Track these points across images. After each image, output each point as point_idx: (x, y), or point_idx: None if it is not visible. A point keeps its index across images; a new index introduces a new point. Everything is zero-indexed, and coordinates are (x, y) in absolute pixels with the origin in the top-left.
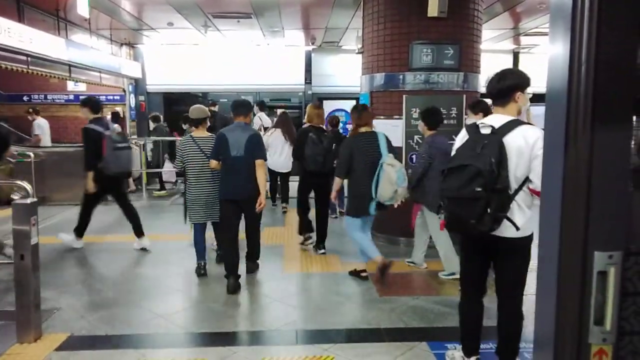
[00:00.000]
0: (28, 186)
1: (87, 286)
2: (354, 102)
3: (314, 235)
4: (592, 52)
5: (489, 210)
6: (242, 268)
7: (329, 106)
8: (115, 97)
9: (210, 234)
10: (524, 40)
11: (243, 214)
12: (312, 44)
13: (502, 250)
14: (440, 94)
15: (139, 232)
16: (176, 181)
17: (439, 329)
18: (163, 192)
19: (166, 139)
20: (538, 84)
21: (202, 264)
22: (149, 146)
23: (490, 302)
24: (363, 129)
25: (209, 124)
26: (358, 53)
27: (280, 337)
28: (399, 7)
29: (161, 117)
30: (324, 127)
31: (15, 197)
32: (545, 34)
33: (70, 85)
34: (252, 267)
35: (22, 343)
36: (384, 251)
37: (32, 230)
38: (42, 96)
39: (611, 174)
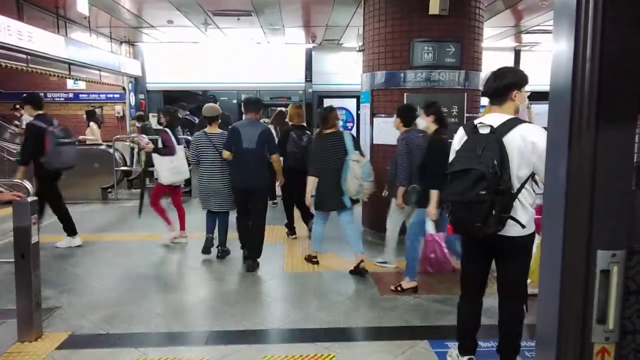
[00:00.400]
0: (28, 185)
1: (87, 285)
2: (354, 100)
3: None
4: (596, 49)
5: (493, 212)
6: (237, 267)
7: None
8: (115, 96)
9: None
10: (525, 37)
11: (250, 205)
12: (313, 41)
13: (506, 249)
14: (442, 92)
15: (70, 231)
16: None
17: (440, 328)
18: None
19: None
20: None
21: (211, 237)
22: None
23: (489, 301)
24: (329, 130)
25: (219, 120)
26: (359, 51)
27: (281, 336)
28: (400, 5)
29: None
30: (305, 125)
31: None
32: (547, 32)
33: (70, 84)
34: (253, 266)
35: (23, 342)
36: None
37: (33, 229)
38: (42, 94)
39: (615, 172)
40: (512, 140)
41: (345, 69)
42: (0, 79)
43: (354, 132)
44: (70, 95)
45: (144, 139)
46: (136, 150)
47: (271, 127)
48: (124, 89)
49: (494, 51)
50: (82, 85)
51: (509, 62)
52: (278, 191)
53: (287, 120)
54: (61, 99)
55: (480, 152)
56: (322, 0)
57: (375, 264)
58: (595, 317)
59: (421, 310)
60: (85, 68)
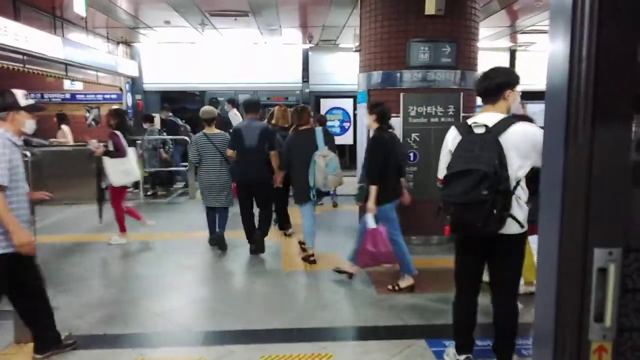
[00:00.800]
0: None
1: (84, 285)
2: (351, 100)
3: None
4: (592, 48)
5: (494, 211)
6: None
7: (326, 104)
8: (112, 96)
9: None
10: (520, 38)
11: (254, 198)
12: (310, 42)
13: (503, 247)
14: (438, 91)
15: None
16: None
17: (437, 327)
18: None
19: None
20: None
21: (213, 235)
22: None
23: (484, 299)
24: (303, 127)
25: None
26: (355, 51)
27: (278, 335)
28: (397, 5)
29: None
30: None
31: None
32: (542, 32)
33: (67, 84)
34: (262, 247)
35: (19, 343)
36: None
37: (29, 230)
38: (39, 95)
39: (611, 170)
40: (509, 139)
41: (342, 69)
42: None
43: (350, 131)
44: (67, 96)
45: (94, 142)
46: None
47: None
48: (120, 89)
49: (490, 51)
50: (79, 86)
51: (505, 62)
52: None
53: (272, 122)
54: (58, 100)
55: (479, 152)
56: (319, 0)
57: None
58: (593, 315)
59: (418, 310)
60: (82, 69)
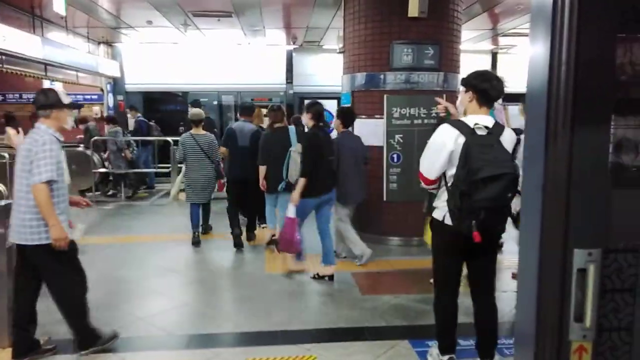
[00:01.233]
0: (2, 187)
1: None
2: (335, 102)
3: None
4: (572, 52)
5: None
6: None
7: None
8: (93, 97)
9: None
10: (502, 40)
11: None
12: (293, 43)
13: (488, 246)
14: (421, 93)
15: None
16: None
17: (420, 327)
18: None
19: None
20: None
21: (196, 233)
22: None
23: (465, 299)
24: (278, 125)
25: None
26: (339, 53)
27: (263, 338)
28: (380, 7)
29: (89, 118)
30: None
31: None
32: (523, 35)
33: (46, 85)
34: (252, 236)
35: None
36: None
37: (7, 233)
38: (17, 95)
39: (590, 172)
40: (506, 141)
41: (326, 71)
42: None
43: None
44: None
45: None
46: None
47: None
48: (102, 90)
49: (472, 54)
50: (58, 86)
51: (486, 65)
52: None
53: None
54: None
55: (497, 155)
56: (303, 2)
57: (356, 264)
58: (573, 315)
59: (401, 310)
60: (62, 69)
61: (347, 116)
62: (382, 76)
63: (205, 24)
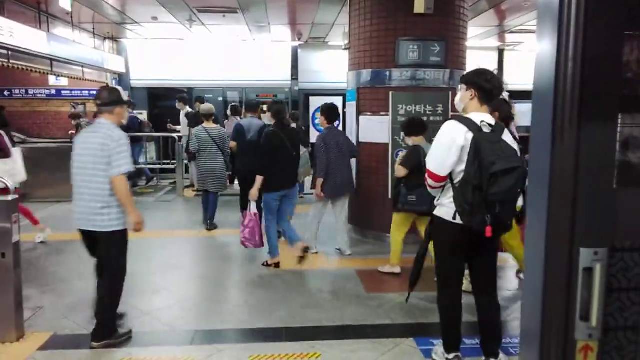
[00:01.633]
0: (9, 182)
1: (70, 284)
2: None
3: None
4: (579, 49)
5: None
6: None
7: (316, 102)
8: None
9: (191, 232)
10: (509, 37)
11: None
12: (299, 39)
13: (490, 243)
14: (427, 90)
15: None
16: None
17: (425, 325)
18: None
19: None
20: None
21: (207, 219)
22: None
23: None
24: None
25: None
26: (345, 49)
27: (266, 335)
28: (386, 4)
29: (82, 114)
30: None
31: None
32: (530, 32)
33: (52, 80)
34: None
35: (4, 342)
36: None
37: (14, 228)
38: (24, 91)
39: (597, 170)
40: (506, 139)
41: (332, 67)
42: None
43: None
44: (53, 91)
45: None
46: None
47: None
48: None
49: (478, 50)
50: (64, 81)
51: (493, 62)
52: None
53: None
54: (43, 96)
55: (506, 151)
56: None
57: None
58: (579, 314)
59: (406, 308)
60: (67, 64)
61: (330, 112)
62: (387, 73)
63: (210, 20)
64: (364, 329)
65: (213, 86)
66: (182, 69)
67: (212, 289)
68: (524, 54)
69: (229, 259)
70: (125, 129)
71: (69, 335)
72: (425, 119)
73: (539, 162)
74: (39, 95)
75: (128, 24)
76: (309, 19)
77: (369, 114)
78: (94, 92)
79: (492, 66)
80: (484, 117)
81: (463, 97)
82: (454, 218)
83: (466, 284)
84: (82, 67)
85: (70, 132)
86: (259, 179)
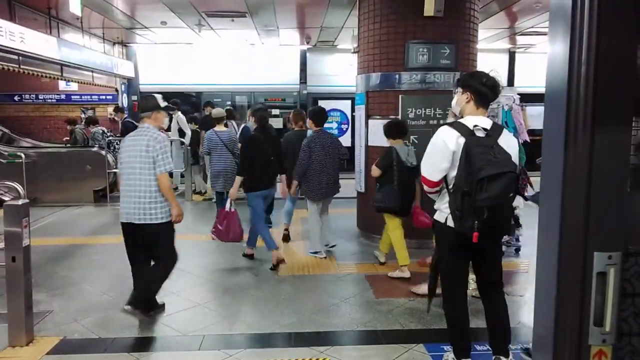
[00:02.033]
0: (19, 187)
1: (79, 288)
2: (349, 102)
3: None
4: (592, 52)
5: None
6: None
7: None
8: (108, 97)
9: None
10: (520, 39)
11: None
12: (307, 43)
13: (492, 245)
14: (437, 93)
15: None
16: None
17: (435, 331)
18: None
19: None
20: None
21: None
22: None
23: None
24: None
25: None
26: (354, 52)
27: (275, 340)
28: (395, 6)
29: (78, 120)
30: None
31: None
32: (541, 34)
33: (62, 85)
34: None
35: (13, 346)
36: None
37: (24, 232)
38: (34, 96)
39: (611, 174)
40: (503, 143)
41: (340, 71)
42: None
43: (349, 133)
44: (62, 96)
45: None
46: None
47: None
48: (116, 90)
49: (489, 53)
50: (74, 86)
51: (504, 64)
52: None
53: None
54: (53, 101)
55: (498, 155)
56: (317, 1)
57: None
58: (592, 319)
59: (416, 314)
60: (77, 69)
61: (318, 116)
62: (397, 76)
63: (219, 24)
64: (374, 335)
65: (221, 90)
66: (191, 74)
67: (220, 294)
68: (535, 56)
69: (236, 264)
70: (121, 133)
71: (78, 340)
72: (435, 122)
73: (552, 165)
74: (49, 100)
75: (137, 29)
76: (318, 23)
77: (378, 117)
78: (104, 97)
79: (502, 69)
80: (478, 121)
81: (459, 100)
82: (446, 222)
83: (473, 289)
84: (92, 72)
85: (64, 138)
86: (238, 179)
